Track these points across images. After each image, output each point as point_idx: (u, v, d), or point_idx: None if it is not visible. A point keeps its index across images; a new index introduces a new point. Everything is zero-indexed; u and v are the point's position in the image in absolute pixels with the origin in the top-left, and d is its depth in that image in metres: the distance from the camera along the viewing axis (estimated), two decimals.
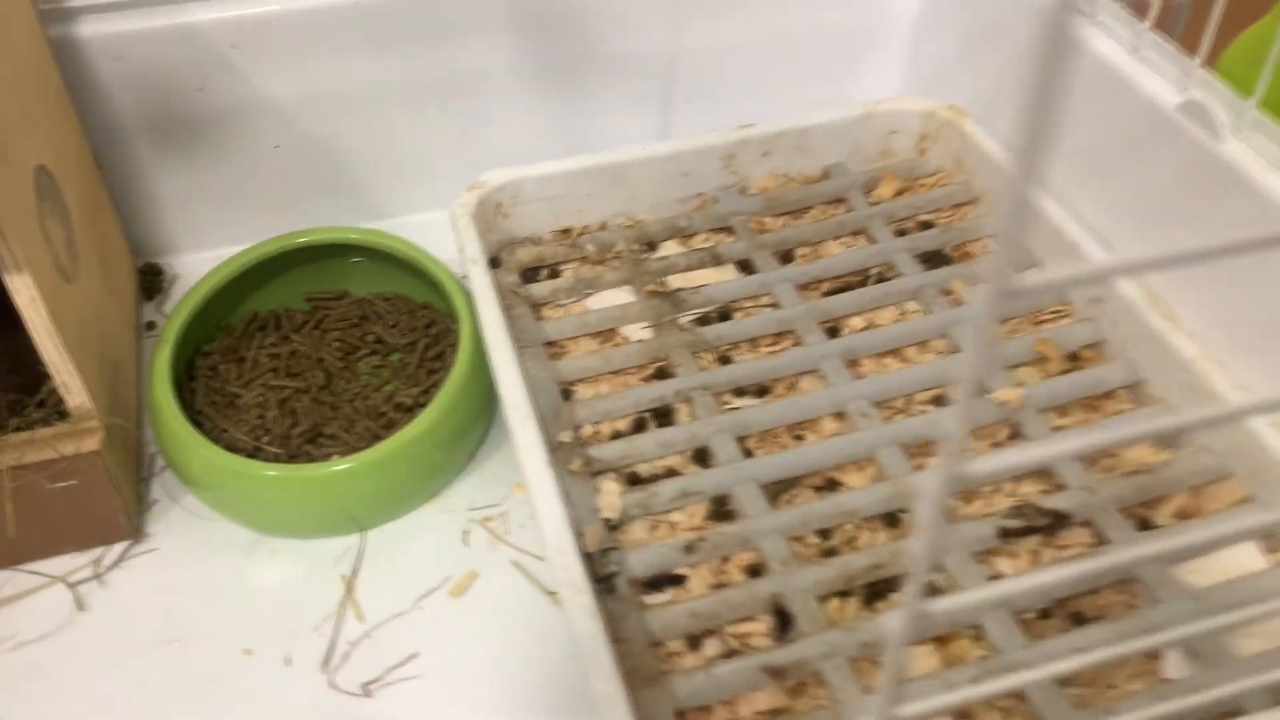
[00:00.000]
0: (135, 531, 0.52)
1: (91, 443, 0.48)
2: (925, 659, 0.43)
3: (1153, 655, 0.43)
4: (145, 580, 0.50)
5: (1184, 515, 0.47)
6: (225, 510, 0.52)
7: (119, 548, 0.52)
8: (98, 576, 0.50)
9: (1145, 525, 0.47)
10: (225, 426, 0.52)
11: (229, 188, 0.65)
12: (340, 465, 0.49)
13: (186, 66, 0.60)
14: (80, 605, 0.49)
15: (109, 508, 0.50)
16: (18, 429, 0.48)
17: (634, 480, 0.50)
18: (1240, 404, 0.22)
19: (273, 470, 0.49)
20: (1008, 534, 0.47)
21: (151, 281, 0.65)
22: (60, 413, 0.50)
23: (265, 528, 0.52)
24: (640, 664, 0.43)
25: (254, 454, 0.51)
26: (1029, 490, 0.49)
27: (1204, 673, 0.42)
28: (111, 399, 0.51)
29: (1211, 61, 0.51)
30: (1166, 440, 0.51)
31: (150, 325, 0.63)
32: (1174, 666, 0.42)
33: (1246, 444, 0.48)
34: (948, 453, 0.18)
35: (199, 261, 0.67)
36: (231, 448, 0.50)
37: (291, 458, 0.52)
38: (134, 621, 0.49)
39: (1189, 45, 0.52)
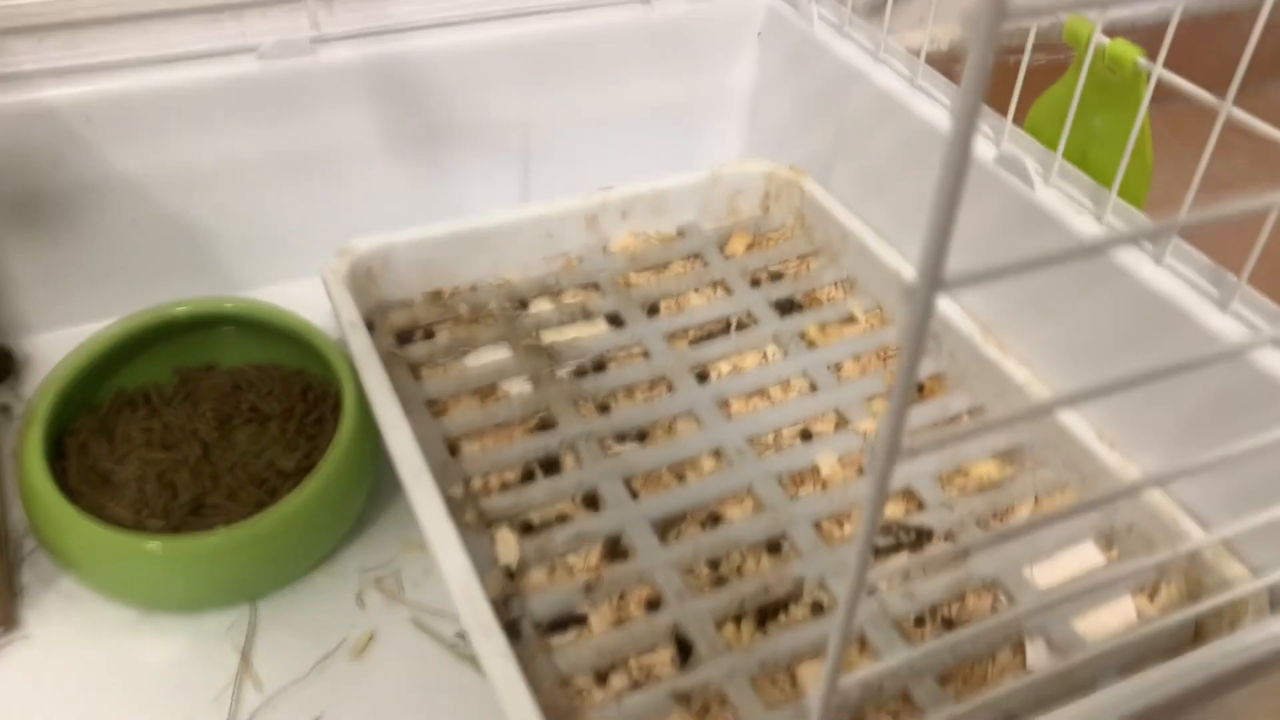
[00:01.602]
0: (10, 621, 0.50)
1: None
2: (816, 671, 0.46)
3: (1018, 649, 0.47)
4: (25, 670, 0.48)
5: (1031, 523, 0.53)
6: (108, 589, 0.50)
7: None
8: None
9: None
10: (103, 502, 0.51)
11: (83, 265, 0.64)
12: (228, 534, 0.49)
13: (39, 143, 0.59)
14: None
15: None
16: None
17: (527, 528, 0.52)
18: (1046, 400, 0.26)
19: (156, 543, 0.48)
20: (879, 551, 0.51)
21: (2, 363, 0.63)
22: None
23: (152, 604, 0.51)
24: (552, 702, 0.44)
25: (136, 529, 0.50)
26: (895, 511, 0.53)
27: (1061, 659, 0.46)
28: None
29: (1018, 120, 0.58)
30: (1009, 457, 0.56)
31: (4, 408, 0.60)
32: (1037, 658, 0.47)
33: (1077, 457, 0.53)
34: (867, 516, 0.21)
35: (51, 340, 0.65)
36: (112, 525, 0.49)
37: (175, 530, 0.51)
38: (16, 714, 0.47)
39: (998, 106, 0.59)
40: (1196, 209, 0.48)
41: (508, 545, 0.50)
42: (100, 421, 0.55)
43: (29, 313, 0.64)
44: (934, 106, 0.62)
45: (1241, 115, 0.44)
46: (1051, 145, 0.55)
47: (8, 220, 0.61)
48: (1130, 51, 0.49)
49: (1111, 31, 0.51)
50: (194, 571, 0.49)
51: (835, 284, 0.67)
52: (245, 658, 0.49)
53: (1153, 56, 0.48)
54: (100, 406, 0.56)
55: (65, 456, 0.54)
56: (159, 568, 0.49)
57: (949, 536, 0.52)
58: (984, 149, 0.59)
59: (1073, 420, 0.54)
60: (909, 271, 0.62)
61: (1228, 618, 0.46)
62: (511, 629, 0.46)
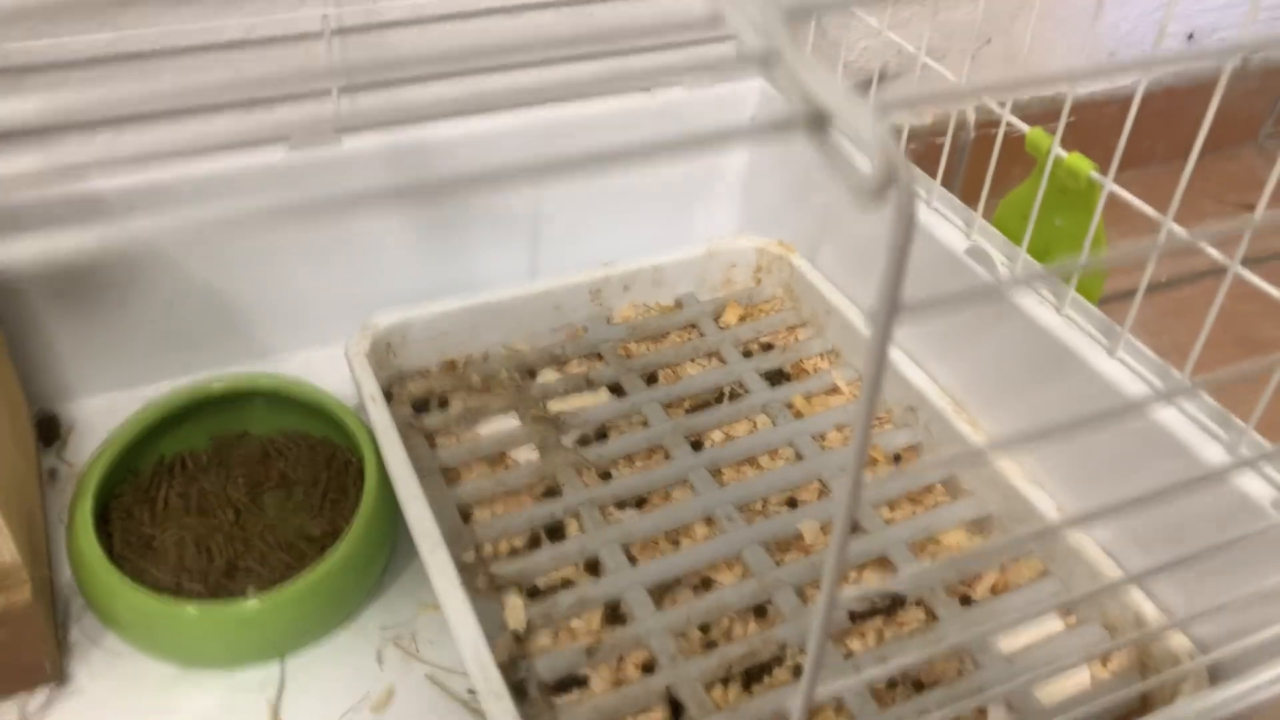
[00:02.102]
0: (59, 675, 0.54)
1: (22, 595, 0.51)
2: None
3: (980, 711, 0.52)
4: None
5: (997, 590, 0.57)
6: (150, 649, 0.55)
7: (43, 694, 0.54)
8: None
9: (966, 600, 0.56)
10: (145, 567, 0.56)
11: (123, 336, 0.69)
12: (259, 600, 0.53)
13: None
14: None
15: (36, 655, 0.53)
16: None
17: (533, 593, 0.56)
18: (983, 444, 0.31)
19: (194, 608, 0.53)
20: (855, 617, 0.56)
21: (48, 429, 0.67)
22: None
23: (189, 662, 0.55)
24: None
25: (176, 592, 0.55)
26: (870, 578, 0.58)
27: None
28: (31, 549, 0.54)
29: (988, 213, 0.63)
30: (978, 527, 0.61)
31: (52, 472, 0.65)
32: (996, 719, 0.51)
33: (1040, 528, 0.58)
34: (828, 581, 0.26)
35: (93, 406, 0.70)
36: (154, 588, 0.54)
37: (211, 593, 0.56)
38: None
39: (967, 196, 0.64)
40: (1147, 306, 0.53)
41: (515, 611, 0.55)
42: (143, 490, 0.60)
43: (72, 380, 0.69)
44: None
45: (1179, 230, 0.49)
46: (1016, 240, 0.60)
47: (55, 296, 0.66)
48: (1084, 165, 0.54)
49: (1084, 103, 0.56)
50: (228, 633, 0.54)
51: (821, 355, 0.72)
52: (275, 712, 0.54)
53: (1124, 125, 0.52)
54: (142, 473, 0.61)
55: (110, 522, 0.58)
56: (197, 630, 0.54)
57: (920, 603, 0.56)
58: (956, 240, 0.64)
59: (1036, 495, 0.58)
60: (890, 347, 0.67)
61: (1170, 689, 0.50)
62: (518, 689, 0.51)
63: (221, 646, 0.55)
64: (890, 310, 0.20)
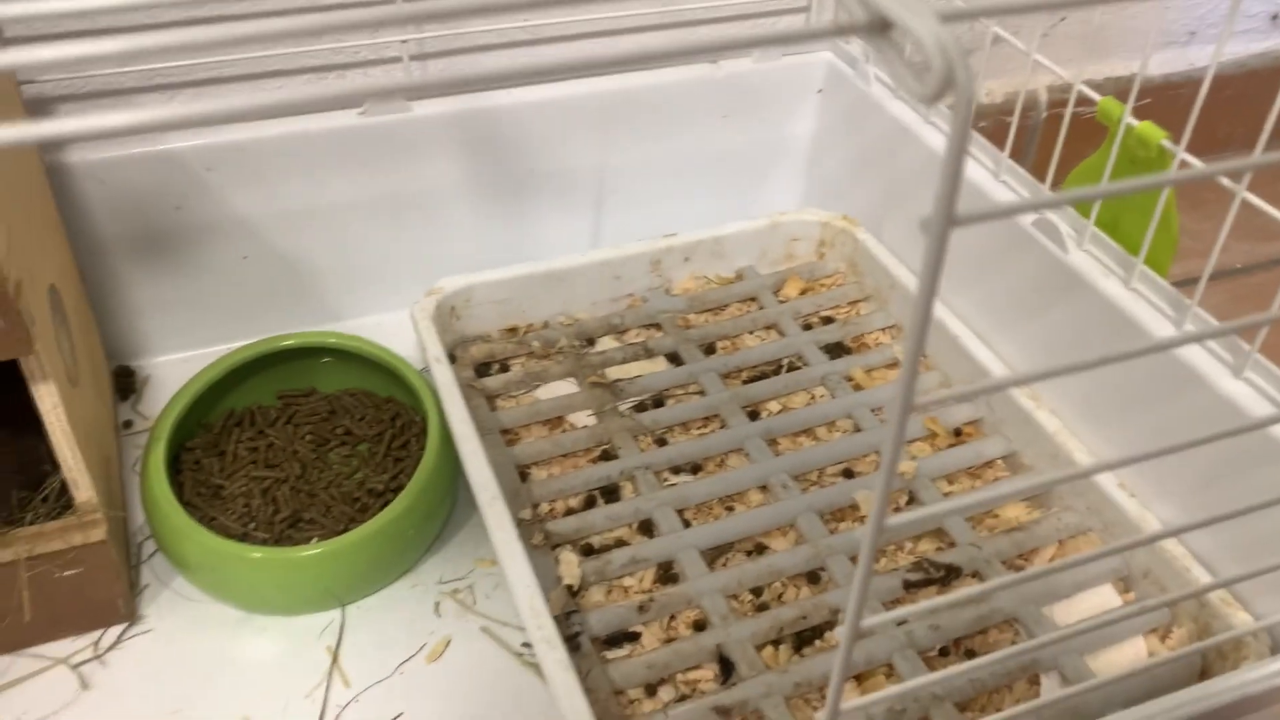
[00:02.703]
0: (131, 614, 0.56)
1: (98, 533, 0.53)
2: (849, 694, 0.51)
3: (1033, 681, 0.51)
4: (143, 659, 0.55)
5: (1051, 568, 0.57)
6: (217, 592, 0.57)
7: (116, 630, 0.56)
8: (98, 657, 0.55)
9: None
10: (214, 515, 0.58)
11: (199, 295, 0.71)
12: (323, 547, 0.55)
13: (165, 188, 0.66)
14: (84, 685, 0.53)
15: (110, 593, 0.55)
16: (30, 522, 0.52)
17: (588, 551, 0.57)
18: (1088, 465, 0.31)
19: (259, 553, 0.55)
20: (910, 585, 0.55)
21: (124, 382, 0.70)
22: (63, 506, 0.55)
23: (254, 606, 0.57)
24: (606, 711, 0.49)
25: (242, 539, 0.57)
26: (926, 548, 0.58)
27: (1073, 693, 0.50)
28: (107, 492, 0.56)
29: (1056, 186, 0.62)
30: (1037, 501, 0.60)
31: (127, 423, 0.68)
32: (1050, 690, 0.51)
33: (1100, 504, 0.57)
34: (875, 510, 0.26)
35: (169, 363, 0.72)
36: (222, 533, 0.56)
37: (276, 542, 0.57)
38: (135, 698, 0.53)
39: (1037, 173, 0.63)
40: (1217, 279, 0.52)
41: (570, 566, 0.55)
42: (213, 440, 0.62)
43: (148, 337, 0.72)
44: (978, 169, 0.66)
45: (1254, 200, 0.48)
46: (1085, 213, 0.59)
47: (133, 255, 0.68)
48: (1156, 134, 0.53)
49: (1158, 83, 0.55)
50: (291, 578, 0.56)
51: (883, 329, 0.71)
52: (335, 657, 0.55)
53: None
54: (213, 425, 0.63)
55: (181, 471, 0.60)
56: (261, 574, 0.55)
57: (976, 574, 0.56)
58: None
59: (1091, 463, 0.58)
60: (952, 321, 0.66)
61: (1231, 660, 0.49)
62: (571, 642, 0.52)
63: (284, 591, 0.56)
64: (945, 220, 0.21)
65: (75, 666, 0.54)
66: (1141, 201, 0.56)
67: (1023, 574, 0.32)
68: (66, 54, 0.20)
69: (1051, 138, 0.62)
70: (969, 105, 0.19)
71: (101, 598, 0.55)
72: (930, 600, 0.31)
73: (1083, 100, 0.58)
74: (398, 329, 0.71)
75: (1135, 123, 0.54)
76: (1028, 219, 0.62)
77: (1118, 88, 0.91)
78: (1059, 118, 0.59)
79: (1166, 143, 0.52)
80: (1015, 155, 0.65)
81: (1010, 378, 0.26)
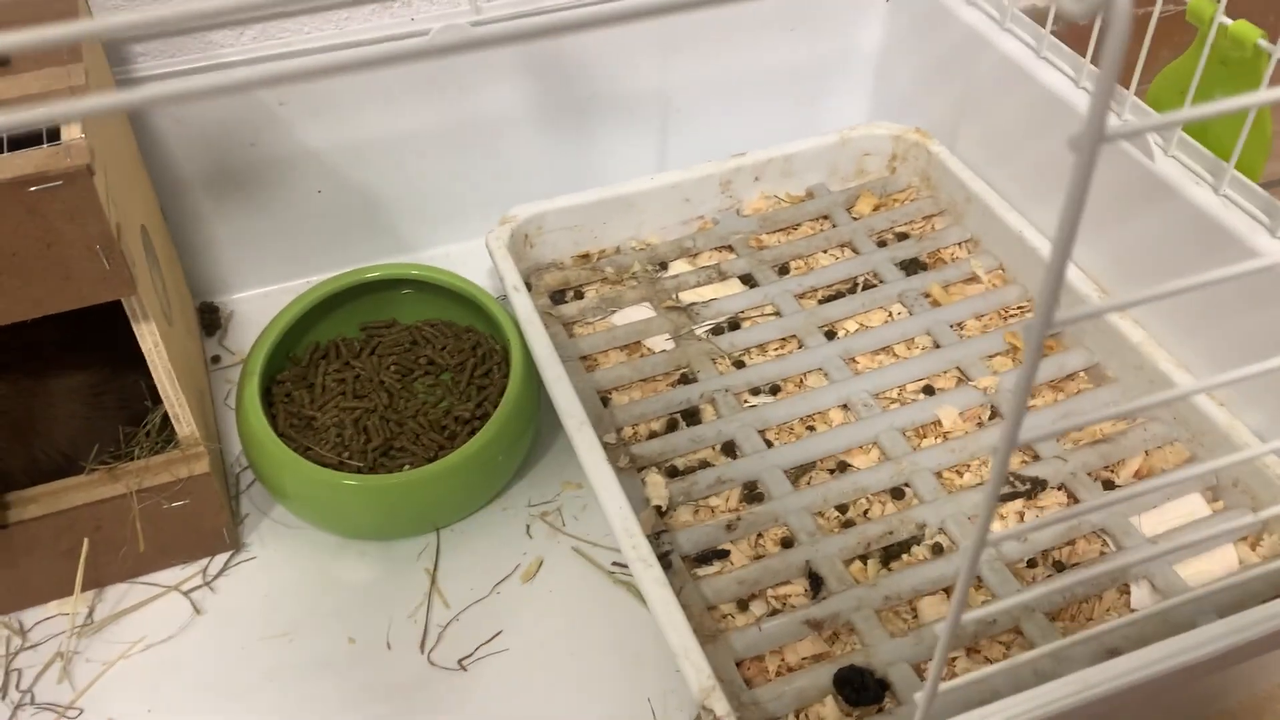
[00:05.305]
0: (235, 543, 0.59)
1: (202, 466, 0.55)
2: (936, 606, 0.52)
3: (1123, 590, 0.52)
4: (249, 584, 0.57)
5: (1140, 476, 0.57)
6: (316, 519, 0.59)
7: (221, 558, 0.58)
8: (207, 584, 0.57)
9: (1109, 485, 0.56)
10: (309, 445, 0.59)
11: (275, 231, 0.72)
12: (416, 473, 0.56)
13: (239, 125, 0.67)
14: (197, 609, 0.56)
15: (215, 523, 0.57)
16: (136, 457, 0.54)
17: (673, 473, 0.58)
18: (1186, 387, 0.30)
19: (355, 480, 0.56)
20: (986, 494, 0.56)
21: (209, 318, 0.71)
22: (165, 440, 0.57)
23: (351, 533, 0.59)
24: (700, 625, 0.50)
25: (338, 468, 0.58)
26: (1011, 461, 0.58)
27: (1162, 600, 0.51)
28: (204, 426, 0.58)
29: (1140, 92, 0.61)
30: (1123, 415, 0.60)
31: (215, 358, 0.69)
32: (1140, 600, 0.51)
33: (1187, 413, 0.57)
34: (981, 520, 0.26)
35: (250, 298, 0.73)
36: (318, 464, 0.57)
37: (371, 469, 0.59)
38: (245, 620, 0.55)
39: (1121, 79, 0.61)
40: None
41: (657, 488, 0.56)
42: (301, 373, 0.64)
43: (229, 274, 0.73)
44: (1058, 76, 0.65)
45: None
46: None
47: (212, 193, 0.69)
48: (1252, 32, 0.51)
49: None
50: (386, 504, 0.57)
51: (959, 244, 0.70)
52: (434, 579, 0.57)
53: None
54: (300, 359, 0.65)
55: (273, 404, 0.62)
56: (357, 500, 0.57)
57: (1062, 487, 0.56)
58: (1108, 120, 0.61)
59: (1184, 379, 0.57)
60: (1032, 234, 0.66)
61: None
62: (663, 560, 0.53)
63: (381, 517, 0.58)
64: (1096, 138, 0.20)
65: (187, 593, 0.57)
66: None
67: (1114, 495, 0.32)
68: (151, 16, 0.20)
69: (1134, 42, 0.61)
70: (1127, 20, 0.19)
71: (207, 527, 0.57)
72: (1020, 525, 0.31)
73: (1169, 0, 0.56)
74: (466, 258, 0.72)
75: (1228, 21, 0.53)
76: (1110, 124, 0.61)
77: None
78: (1142, 20, 0.57)
79: (1263, 42, 0.51)
80: (1096, 60, 0.63)
81: (1127, 301, 0.26)
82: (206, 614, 0.56)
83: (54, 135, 0.44)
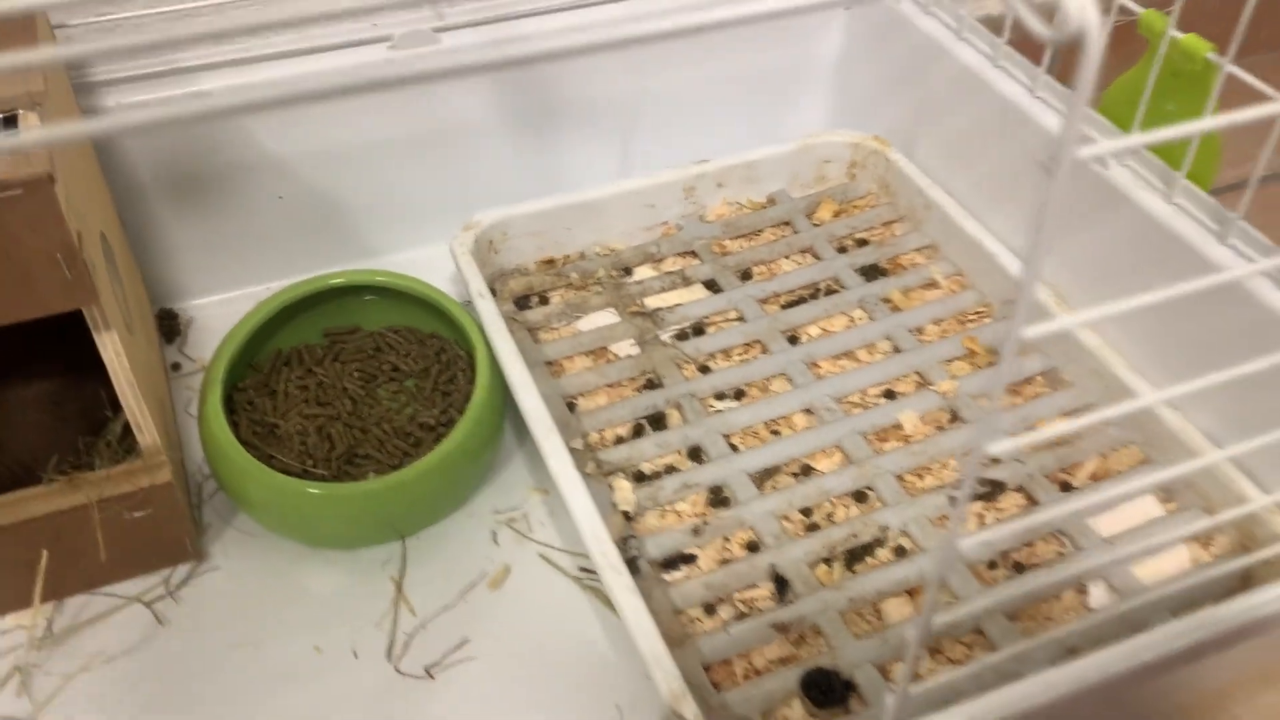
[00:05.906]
0: (198, 553, 0.58)
1: (164, 475, 0.54)
2: (900, 607, 0.52)
3: (1080, 591, 0.53)
4: (213, 594, 0.56)
5: (1096, 478, 0.58)
6: (280, 528, 0.58)
7: (184, 568, 0.58)
8: (170, 594, 0.56)
9: (1066, 487, 0.57)
10: (272, 453, 0.59)
11: (236, 237, 0.71)
12: (381, 481, 0.56)
13: (198, 129, 0.66)
14: (159, 620, 0.55)
15: (178, 532, 0.56)
16: (97, 466, 0.54)
17: (640, 478, 0.58)
18: (1150, 397, 0.31)
19: (318, 488, 0.56)
20: (956, 501, 0.57)
21: (168, 325, 0.71)
22: (126, 450, 0.56)
23: (316, 541, 0.59)
24: (668, 629, 0.51)
25: (302, 476, 0.58)
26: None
27: (1120, 601, 0.52)
28: (166, 435, 0.57)
29: (1094, 102, 0.62)
30: (1077, 416, 0.61)
31: (175, 365, 0.69)
32: (1097, 600, 0.53)
33: (1141, 417, 0.58)
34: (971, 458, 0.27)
35: (209, 304, 0.73)
36: (282, 472, 0.57)
37: (335, 477, 0.59)
38: (209, 631, 0.55)
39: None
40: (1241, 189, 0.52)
41: (624, 493, 0.57)
42: (264, 380, 0.63)
43: (188, 280, 0.72)
44: (1014, 85, 0.66)
45: None
46: (1124, 127, 0.59)
47: (170, 198, 0.68)
48: (1202, 46, 0.52)
49: None
50: (351, 512, 0.57)
51: (918, 250, 0.72)
52: (400, 587, 0.57)
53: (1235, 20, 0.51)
54: (262, 366, 0.64)
55: (235, 412, 0.61)
56: (322, 509, 0.56)
57: (1020, 489, 0.57)
58: (1058, 126, 0.63)
59: (1138, 383, 0.59)
60: (990, 240, 0.67)
61: (1273, 568, 0.51)
62: (630, 565, 0.53)
63: (345, 525, 0.58)
64: (1069, 162, 0.21)
65: (149, 604, 0.56)
66: (1184, 114, 0.56)
67: (1077, 501, 0.33)
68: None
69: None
70: (1099, 55, 0.19)
71: (170, 537, 0.56)
72: (988, 531, 0.32)
73: (1123, 10, 0.57)
74: (430, 264, 0.72)
75: (1179, 35, 0.54)
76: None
77: None
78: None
79: (1212, 55, 0.52)
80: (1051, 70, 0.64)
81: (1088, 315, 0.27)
82: (169, 625, 0.55)
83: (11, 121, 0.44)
